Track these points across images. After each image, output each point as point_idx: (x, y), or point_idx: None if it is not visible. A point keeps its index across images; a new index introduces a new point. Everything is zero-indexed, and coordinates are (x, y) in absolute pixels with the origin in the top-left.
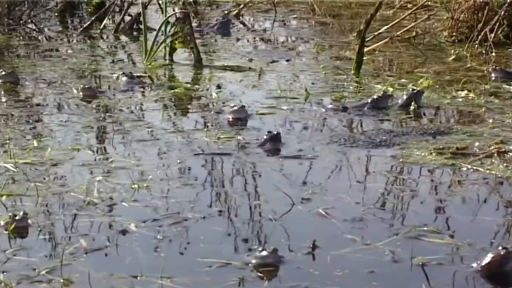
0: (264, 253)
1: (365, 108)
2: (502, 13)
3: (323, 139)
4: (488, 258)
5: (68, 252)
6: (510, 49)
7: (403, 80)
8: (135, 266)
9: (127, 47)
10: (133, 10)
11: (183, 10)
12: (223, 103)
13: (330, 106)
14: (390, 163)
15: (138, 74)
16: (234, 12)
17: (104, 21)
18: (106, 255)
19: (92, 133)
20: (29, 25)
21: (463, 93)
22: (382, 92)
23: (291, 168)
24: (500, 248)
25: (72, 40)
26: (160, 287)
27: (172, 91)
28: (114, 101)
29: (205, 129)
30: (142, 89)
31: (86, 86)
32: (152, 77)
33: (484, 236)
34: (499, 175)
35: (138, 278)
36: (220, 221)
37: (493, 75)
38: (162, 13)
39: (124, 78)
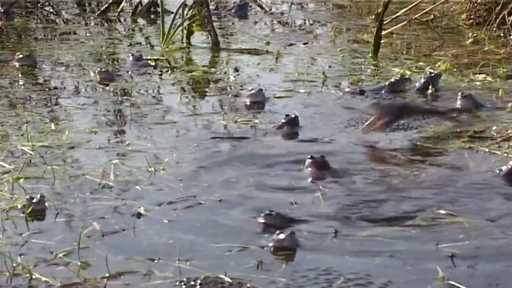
0: (281, 236)
1: (383, 92)
2: None
3: (340, 122)
4: None
5: (85, 235)
6: None
7: (420, 63)
8: (152, 250)
9: (144, 30)
10: None
11: None
12: (241, 86)
13: (347, 89)
14: (408, 146)
15: (155, 57)
16: None
17: (122, 4)
18: (123, 238)
19: (109, 116)
20: (47, 8)
21: (480, 77)
22: (399, 76)
23: (308, 151)
24: None
25: (90, 23)
26: (178, 270)
27: (190, 74)
28: (131, 84)
29: (222, 113)
30: (159, 72)
31: (103, 70)
32: (169, 60)
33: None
34: None
35: (155, 261)
36: (237, 204)
37: None
38: None
39: (130, 59)
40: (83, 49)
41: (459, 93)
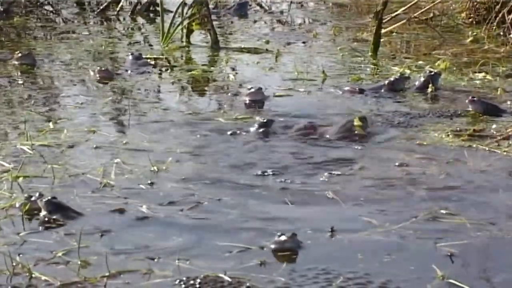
0: (283, 237)
1: (382, 90)
2: None
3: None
4: None
5: (84, 234)
6: None
7: (420, 62)
8: (152, 249)
9: (143, 29)
10: None
11: None
12: (240, 85)
13: (347, 88)
14: (407, 145)
15: (155, 56)
16: None
17: (121, 3)
18: (123, 237)
19: (109, 115)
20: (46, 7)
21: (480, 75)
22: (399, 74)
23: (307, 150)
24: None
25: (89, 22)
26: (177, 268)
27: (189, 73)
28: (131, 83)
29: (222, 111)
30: (159, 71)
31: (103, 68)
32: (169, 59)
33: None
34: None
35: (155, 260)
36: (238, 204)
37: None
38: None
39: (130, 58)
40: (82, 48)
41: (469, 97)
